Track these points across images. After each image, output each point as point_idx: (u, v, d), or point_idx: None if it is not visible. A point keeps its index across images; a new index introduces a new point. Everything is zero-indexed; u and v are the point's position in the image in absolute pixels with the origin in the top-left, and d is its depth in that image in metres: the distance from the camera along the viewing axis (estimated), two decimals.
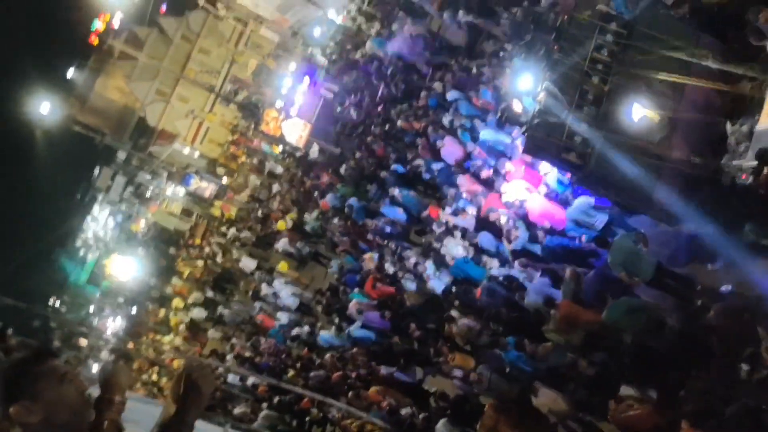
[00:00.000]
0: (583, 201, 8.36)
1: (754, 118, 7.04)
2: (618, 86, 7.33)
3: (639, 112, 7.09)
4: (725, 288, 7.45)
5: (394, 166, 17.05)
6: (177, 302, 32.23)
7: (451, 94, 14.53)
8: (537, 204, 9.61)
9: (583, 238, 8.92)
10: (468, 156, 13.04)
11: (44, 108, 36.29)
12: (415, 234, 15.99)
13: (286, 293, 20.69)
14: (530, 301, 8.72)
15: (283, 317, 20.33)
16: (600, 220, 8.56)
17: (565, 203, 8.74)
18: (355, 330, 14.48)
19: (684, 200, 7.39)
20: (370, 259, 16.03)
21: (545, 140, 7.25)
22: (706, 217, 7.46)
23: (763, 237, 6.72)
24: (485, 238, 10.80)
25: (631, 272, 7.69)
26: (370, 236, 16.96)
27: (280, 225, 23.20)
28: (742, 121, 7.17)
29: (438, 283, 12.39)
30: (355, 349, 14.77)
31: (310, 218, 22.43)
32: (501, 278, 9.50)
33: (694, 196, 7.39)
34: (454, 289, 11.38)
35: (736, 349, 6.67)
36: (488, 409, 8.84)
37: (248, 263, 25.15)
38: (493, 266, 10.41)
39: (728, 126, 7.21)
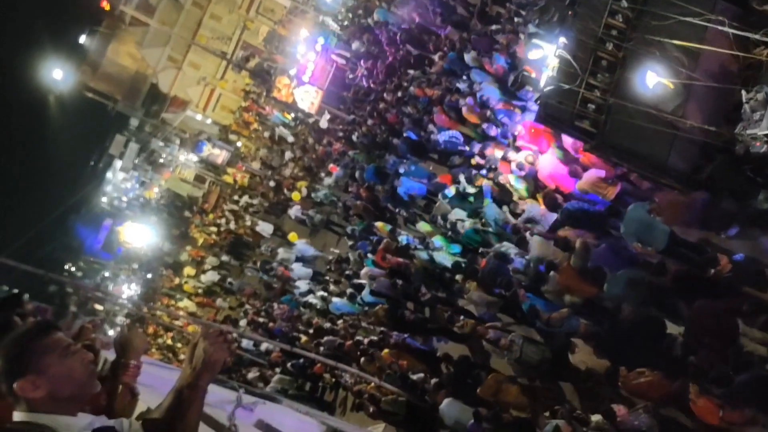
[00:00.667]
0: (594, 173, 8.35)
1: None
2: (632, 53, 7.24)
3: (653, 80, 7.01)
4: (738, 256, 7.44)
5: (407, 134, 16.97)
6: (188, 270, 32.58)
7: (466, 58, 14.40)
8: (547, 164, 9.58)
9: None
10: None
11: (57, 74, 36.35)
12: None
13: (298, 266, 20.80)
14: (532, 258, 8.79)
15: (300, 282, 20.47)
16: (610, 193, 8.55)
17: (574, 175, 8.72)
18: (366, 296, 14.56)
19: (698, 168, 7.37)
20: (382, 228, 16.08)
21: (558, 108, 7.21)
22: (719, 185, 7.44)
23: None
24: (491, 210, 10.77)
25: (644, 242, 7.71)
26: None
27: (295, 196, 23.21)
28: (757, 89, 7.07)
29: (446, 256, 12.41)
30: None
31: (322, 186, 22.47)
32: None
33: (707, 164, 7.36)
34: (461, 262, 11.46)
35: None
36: (490, 379, 8.98)
37: (265, 227, 25.25)
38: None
39: (743, 94, 7.13)
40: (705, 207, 7.89)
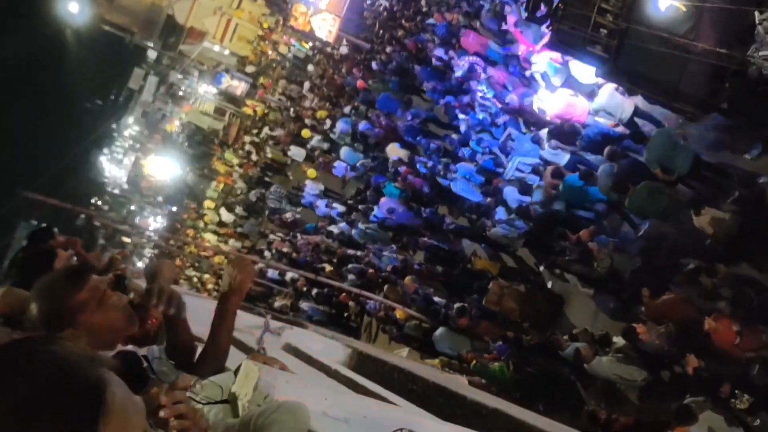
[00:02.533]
0: (609, 87, 8.45)
1: None
2: None
3: (665, 2, 7.06)
4: (764, 178, 7.56)
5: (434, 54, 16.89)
6: (208, 203, 33.17)
7: None
8: (554, 103, 9.72)
9: (620, 127, 9.08)
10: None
11: (73, 7, 36.29)
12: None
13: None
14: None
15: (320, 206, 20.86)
16: (627, 109, 8.68)
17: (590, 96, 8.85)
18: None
19: (711, 92, 7.48)
20: (393, 149, 16.32)
21: (570, 33, 7.30)
22: (733, 108, 7.56)
23: None
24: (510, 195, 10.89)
25: (667, 167, 7.85)
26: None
27: (305, 133, 23.34)
28: None
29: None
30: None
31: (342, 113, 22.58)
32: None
33: (721, 87, 7.45)
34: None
35: None
36: (493, 285, 9.37)
37: (297, 152, 25.35)
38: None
39: (756, 15, 7.15)
40: (722, 130, 8.05)
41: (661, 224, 8.13)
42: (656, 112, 8.88)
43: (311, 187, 22.04)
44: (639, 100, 8.73)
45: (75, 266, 3.48)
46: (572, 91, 9.68)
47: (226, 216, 29.64)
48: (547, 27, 7.75)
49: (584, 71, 8.73)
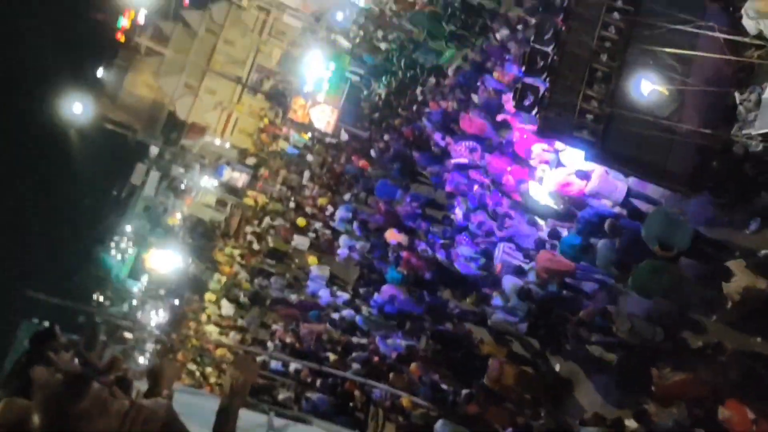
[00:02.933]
0: (600, 170, 8.69)
1: (762, 86, 7.28)
2: (627, 63, 7.62)
3: (648, 87, 7.37)
4: (764, 252, 7.60)
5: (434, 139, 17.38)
6: (209, 296, 33.14)
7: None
8: (555, 176, 9.96)
9: (616, 207, 9.27)
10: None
11: (77, 108, 37.41)
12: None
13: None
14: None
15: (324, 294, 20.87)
16: (620, 191, 8.88)
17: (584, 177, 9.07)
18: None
19: (698, 171, 7.69)
20: (391, 233, 16.51)
21: (557, 120, 7.59)
22: (721, 186, 7.76)
23: None
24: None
25: (666, 244, 7.89)
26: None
27: (300, 222, 23.63)
28: (750, 90, 7.42)
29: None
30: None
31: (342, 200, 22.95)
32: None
33: (707, 166, 7.68)
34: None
35: None
36: (492, 362, 9.31)
37: (301, 241, 25.50)
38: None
39: (737, 95, 7.46)
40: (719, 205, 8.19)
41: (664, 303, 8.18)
42: (652, 190, 9.09)
43: (316, 273, 22.07)
44: (632, 181, 8.97)
45: (76, 374, 3.53)
46: (570, 169, 9.93)
47: (227, 309, 29.57)
48: (535, 115, 8.08)
49: (575, 155, 8.99)
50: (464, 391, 10.90)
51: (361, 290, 18.63)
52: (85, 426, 2.53)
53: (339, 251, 20.45)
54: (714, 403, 6.84)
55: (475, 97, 15.34)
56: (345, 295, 19.84)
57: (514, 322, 10.86)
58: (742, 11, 7.30)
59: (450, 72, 18.29)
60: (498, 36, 15.04)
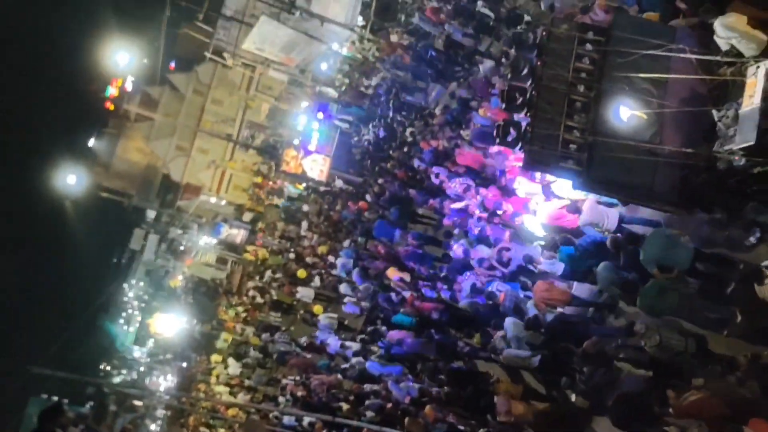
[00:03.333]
0: (591, 201, 8.85)
1: (738, 102, 7.48)
2: (603, 91, 7.85)
3: (627, 113, 7.57)
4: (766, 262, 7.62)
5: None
6: (215, 357, 33.05)
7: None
8: (546, 208, 10.12)
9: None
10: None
11: (71, 179, 37.81)
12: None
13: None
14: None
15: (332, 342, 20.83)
16: (612, 219, 9.03)
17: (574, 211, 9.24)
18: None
19: (685, 190, 7.85)
20: (392, 271, 16.61)
21: (542, 152, 7.78)
22: (709, 202, 7.91)
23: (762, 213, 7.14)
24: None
25: (666, 265, 7.98)
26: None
27: (317, 309, 23.71)
28: (727, 107, 7.62)
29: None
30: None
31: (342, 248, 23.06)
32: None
33: (694, 184, 7.83)
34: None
35: None
36: (499, 399, 9.29)
37: (306, 293, 25.47)
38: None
39: (715, 113, 7.66)
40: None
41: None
42: (649, 212, 9.20)
43: (324, 323, 21.99)
44: (623, 208, 9.12)
45: None
46: (561, 202, 10.09)
47: (233, 369, 29.45)
48: (520, 150, 8.27)
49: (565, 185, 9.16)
50: (481, 431, 10.84)
51: (367, 336, 18.63)
52: None
53: (345, 306, 20.56)
54: (735, 421, 6.81)
55: (464, 133, 15.62)
56: (354, 346, 19.76)
57: (526, 356, 10.87)
58: (714, 27, 7.54)
59: (437, 111, 18.64)
60: (482, 69, 15.31)
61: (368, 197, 22.24)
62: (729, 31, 7.30)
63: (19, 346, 44.48)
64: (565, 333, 9.52)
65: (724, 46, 7.54)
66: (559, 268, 9.66)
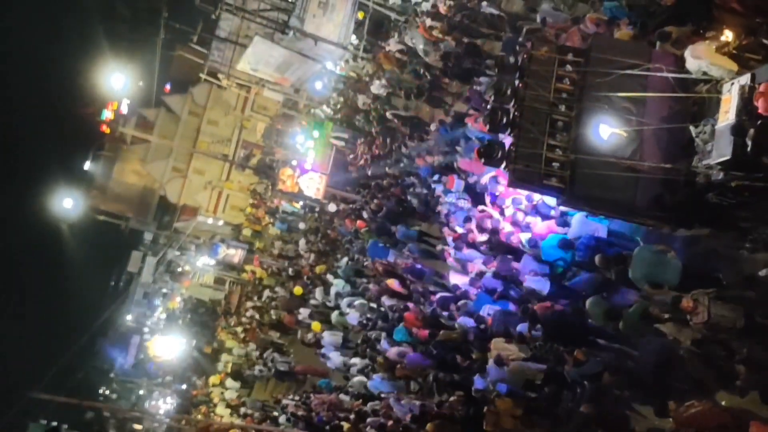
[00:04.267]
0: (579, 217, 9.17)
1: (714, 118, 7.81)
2: (584, 110, 8.18)
3: (607, 131, 7.89)
4: (764, 271, 7.79)
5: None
6: (213, 379, 33.18)
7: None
8: (542, 226, 10.44)
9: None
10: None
11: (67, 203, 38.15)
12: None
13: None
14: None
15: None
16: (601, 232, 9.32)
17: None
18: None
19: (666, 205, 8.15)
20: (391, 283, 16.86)
21: (526, 171, 8.11)
22: (689, 217, 8.21)
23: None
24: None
25: (655, 283, 8.16)
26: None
27: (315, 326, 23.88)
28: (704, 123, 7.94)
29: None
30: None
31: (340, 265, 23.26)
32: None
33: (674, 199, 8.14)
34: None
35: None
36: (488, 412, 9.51)
37: (306, 313, 25.58)
38: None
39: (692, 129, 7.98)
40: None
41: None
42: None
43: (329, 339, 22.01)
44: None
45: None
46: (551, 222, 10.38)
47: (231, 393, 29.61)
48: (504, 169, 8.60)
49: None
50: None
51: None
52: None
53: (349, 318, 20.67)
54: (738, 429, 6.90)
55: (459, 148, 15.91)
56: (360, 363, 19.77)
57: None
58: (685, 55, 7.89)
59: (432, 127, 18.96)
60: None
61: (365, 214, 22.51)
62: (698, 60, 7.65)
63: (17, 371, 44.58)
64: (562, 332, 9.69)
65: (696, 72, 7.87)
66: (545, 286, 9.93)
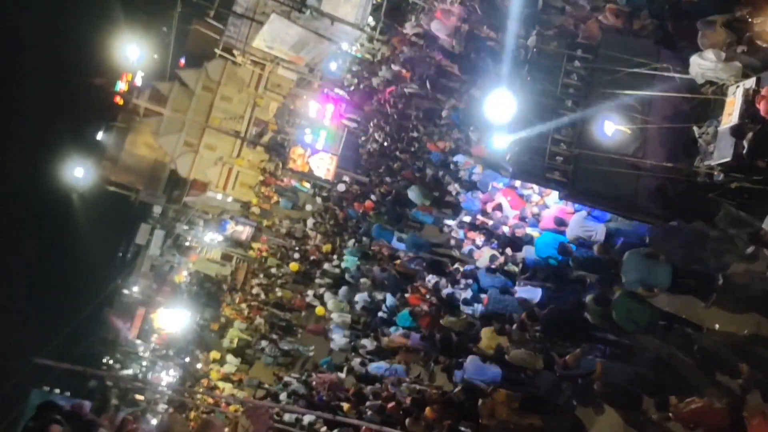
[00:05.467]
0: (578, 216, 9.37)
1: (718, 120, 7.98)
2: (590, 106, 8.37)
3: (612, 128, 8.09)
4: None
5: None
6: (214, 354, 33.60)
7: None
8: (552, 210, 10.62)
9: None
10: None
11: (79, 172, 38.55)
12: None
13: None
14: None
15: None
16: (599, 231, 9.51)
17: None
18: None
19: (666, 202, 8.36)
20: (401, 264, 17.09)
21: (529, 164, 8.31)
22: (688, 215, 8.39)
23: (731, 226, 7.63)
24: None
25: (649, 285, 8.38)
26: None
27: (319, 311, 24.04)
28: (708, 124, 8.12)
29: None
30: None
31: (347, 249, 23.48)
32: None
33: (674, 197, 8.34)
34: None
35: None
36: (482, 404, 9.73)
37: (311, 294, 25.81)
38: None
39: (696, 129, 8.16)
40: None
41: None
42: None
43: (338, 321, 22.26)
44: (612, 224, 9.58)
45: (85, 421, 3.73)
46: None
47: (229, 367, 29.95)
48: (509, 160, 8.80)
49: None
50: None
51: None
52: None
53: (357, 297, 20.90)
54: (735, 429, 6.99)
55: (472, 135, 16.01)
56: (369, 344, 19.95)
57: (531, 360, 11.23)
58: (690, 61, 8.04)
59: (444, 113, 19.03)
60: None
61: (374, 197, 22.67)
62: (706, 61, 7.78)
63: (23, 338, 45.29)
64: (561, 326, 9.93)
65: (700, 79, 8.00)
66: (537, 294, 10.15)
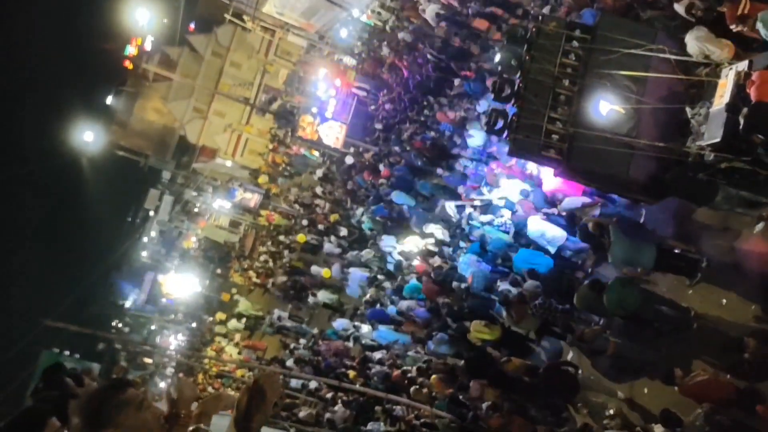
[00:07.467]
0: (572, 200, 9.82)
1: (710, 101, 8.31)
2: (586, 86, 8.71)
3: (607, 107, 8.44)
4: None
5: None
6: (219, 315, 34.26)
7: None
8: (550, 182, 11.04)
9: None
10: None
11: (88, 136, 39.02)
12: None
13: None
14: None
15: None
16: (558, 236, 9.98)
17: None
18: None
19: (657, 181, 8.74)
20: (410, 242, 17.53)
21: (526, 141, 8.69)
22: (679, 193, 8.79)
23: (735, 206, 8.01)
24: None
25: (633, 265, 8.85)
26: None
27: (325, 273, 24.42)
28: (700, 105, 8.44)
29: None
30: None
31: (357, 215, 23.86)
32: None
33: (666, 176, 8.71)
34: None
35: None
36: (474, 383, 10.18)
37: (319, 270, 26.19)
38: None
39: (689, 110, 8.50)
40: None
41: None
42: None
43: (358, 275, 22.55)
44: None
45: (118, 378, 3.87)
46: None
47: (233, 324, 30.48)
48: (505, 138, 9.19)
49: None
50: (486, 404, 11.12)
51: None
52: (121, 419, 2.85)
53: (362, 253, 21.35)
54: (740, 407, 7.19)
55: (480, 106, 16.29)
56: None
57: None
58: (685, 40, 8.36)
59: (456, 82, 19.21)
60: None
61: (381, 167, 22.96)
62: (700, 41, 8.11)
63: (32, 301, 46.19)
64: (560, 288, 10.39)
65: (697, 56, 8.33)
66: (559, 234, 10.53)
